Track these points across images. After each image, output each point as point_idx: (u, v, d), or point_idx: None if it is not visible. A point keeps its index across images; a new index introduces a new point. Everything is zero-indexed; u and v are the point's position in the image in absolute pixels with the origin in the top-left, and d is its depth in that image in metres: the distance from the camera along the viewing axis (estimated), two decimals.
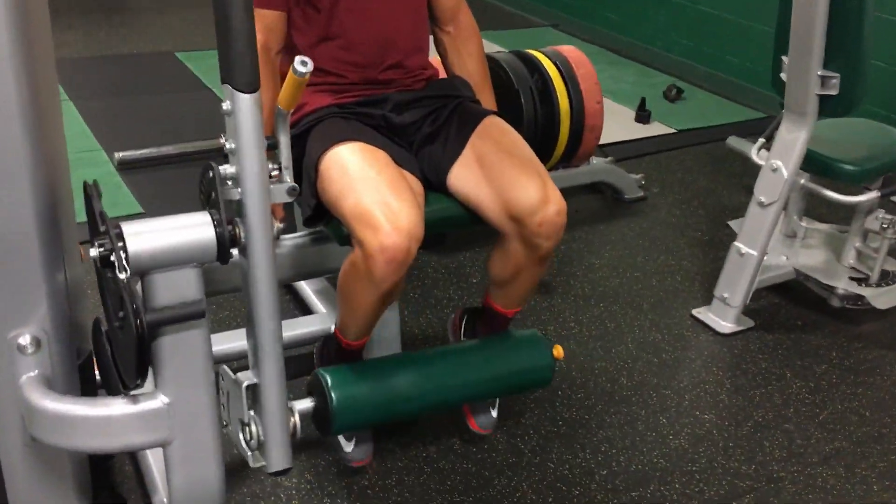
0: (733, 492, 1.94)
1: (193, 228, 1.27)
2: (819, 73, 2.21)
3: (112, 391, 1.37)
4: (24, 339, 1.37)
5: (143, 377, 1.25)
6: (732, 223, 2.81)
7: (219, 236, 1.28)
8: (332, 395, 1.60)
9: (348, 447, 1.81)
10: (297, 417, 1.57)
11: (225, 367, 1.53)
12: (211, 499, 1.43)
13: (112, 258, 1.22)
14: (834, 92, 2.22)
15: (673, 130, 4.00)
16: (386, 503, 1.84)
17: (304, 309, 2.40)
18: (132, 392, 1.32)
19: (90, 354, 1.55)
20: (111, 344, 1.36)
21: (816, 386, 2.33)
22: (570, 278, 2.76)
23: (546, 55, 2.91)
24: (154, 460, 1.73)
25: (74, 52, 4.55)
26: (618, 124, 3.91)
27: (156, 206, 2.96)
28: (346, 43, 1.73)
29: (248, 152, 1.30)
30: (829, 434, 2.15)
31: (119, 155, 3.23)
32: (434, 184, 1.75)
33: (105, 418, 1.33)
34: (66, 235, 1.47)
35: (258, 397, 1.46)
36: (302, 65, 1.34)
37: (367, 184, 1.53)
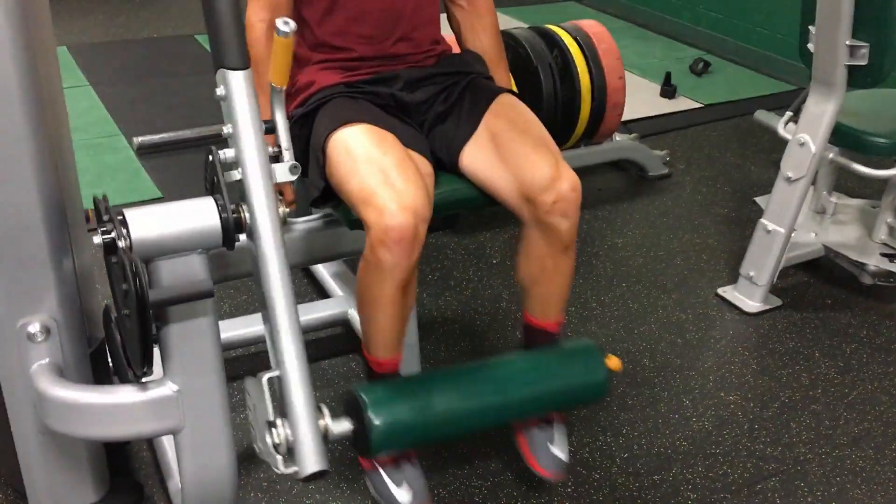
0: (758, 474, 1.90)
1: (198, 214, 1.26)
2: (847, 42, 2.14)
3: (123, 379, 1.36)
4: (34, 327, 1.37)
5: (149, 363, 1.24)
6: (759, 199, 2.74)
7: (223, 221, 1.26)
8: (371, 415, 1.49)
9: (402, 497, 1.66)
10: (327, 419, 1.41)
11: (249, 378, 1.46)
12: (223, 485, 1.42)
13: (116, 242, 1.21)
14: (863, 62, 2.15)
15: (699, 105, 3.91)
16: None
17: (322, 293, 2.38)
18: (142, 380, 1.31)
19: (102, 342, 1.55)
20: (120, 331, 1.35)
21: (846, 366, 2.27)
22: (592, 258, 2.72)
23: (566, 30, 2.85)
24: (169, 446, 1.73)
25: (94, 37, 4.56)
26: (642, 100, 3.84)
27: (175, 190, 2.96)
28: (353, 13, 1.68)
29: (244, 131, 1.28)
30: (859, 415, 2.09)
31: (138, 140, 3.24)
32: (446, 164, 1.71)
33: (114, 406, 1.33)
34: (73, 222, 1.46)
35: (282, 393, 1.39)
36: (284, 24, 1.30)
37: (372, 166, 1.50)
